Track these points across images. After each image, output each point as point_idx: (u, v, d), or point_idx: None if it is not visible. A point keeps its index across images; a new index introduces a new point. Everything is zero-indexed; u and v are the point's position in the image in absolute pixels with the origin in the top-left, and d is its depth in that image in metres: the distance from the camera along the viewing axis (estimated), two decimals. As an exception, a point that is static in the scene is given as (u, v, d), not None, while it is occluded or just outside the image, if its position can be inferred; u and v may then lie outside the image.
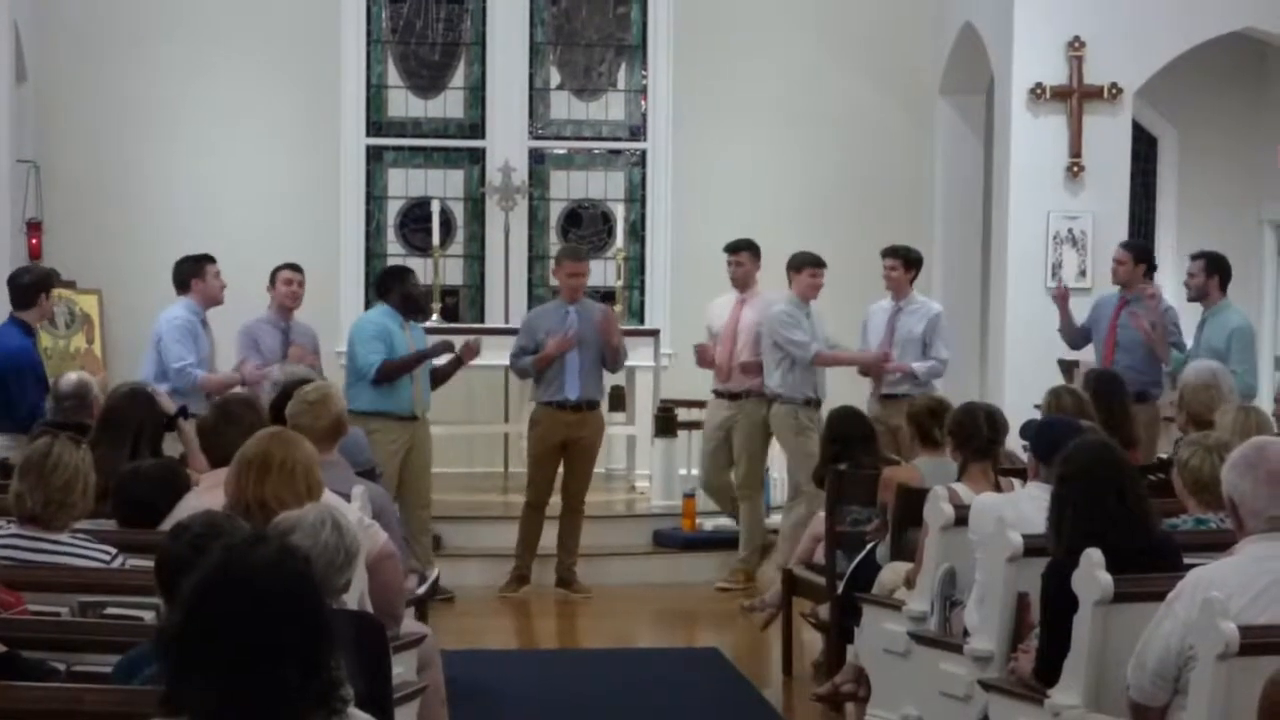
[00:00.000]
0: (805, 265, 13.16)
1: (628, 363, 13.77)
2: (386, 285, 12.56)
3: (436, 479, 12.85)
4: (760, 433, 13.29)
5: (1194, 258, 12.50)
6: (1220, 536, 6.41)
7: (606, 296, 16.16)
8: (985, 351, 15.97)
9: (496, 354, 13.33)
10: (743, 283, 13.36)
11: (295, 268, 12.53)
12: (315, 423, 7.78)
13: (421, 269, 15.91)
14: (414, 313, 12.45)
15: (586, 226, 17.15)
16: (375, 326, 12.33)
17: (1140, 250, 12.95)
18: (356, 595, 6.10)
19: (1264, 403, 11.69)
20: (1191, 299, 12.44)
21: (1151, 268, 12.92)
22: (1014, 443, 9.29)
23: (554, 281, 13.91)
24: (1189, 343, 12.30)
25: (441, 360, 12.51)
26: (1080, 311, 13.12)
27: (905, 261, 13.23)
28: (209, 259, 12.21)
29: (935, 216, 17.17)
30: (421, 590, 9.08)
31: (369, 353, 12.15)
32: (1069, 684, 6.09)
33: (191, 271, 12.11)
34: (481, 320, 16.11)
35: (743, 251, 13.37)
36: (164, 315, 12.07)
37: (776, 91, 16.97)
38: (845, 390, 13.06)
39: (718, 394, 13.40)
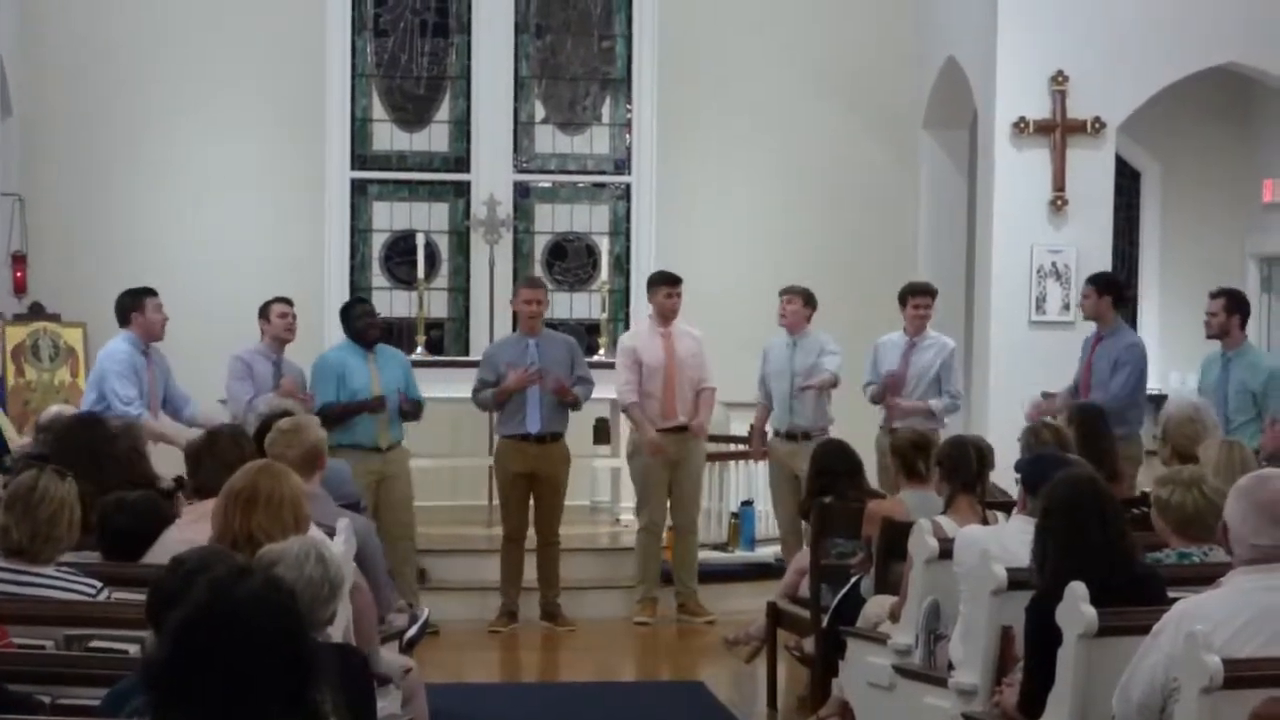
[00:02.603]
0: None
1: (613, 395, 13.74)
2: (341, 321, 12.83)
3: (420, 512, 12.85)
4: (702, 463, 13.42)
5: (1214, 295, 12.31)
6: (1204, 570, 6.42)
7: (591, 329, 16.18)
8: (969, 384, 15.96)
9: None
10: (673, 317, 13.25)
11: (287, 301, 12.59)
12: (288, 450, 7.77)
13: (406, 302, 16.01)
14: (368, 343, 12.51)
15: (571, 259, 17.16)
16: (326, 366, 12.60)
17: (1104, 282, 12.79)
18: (341, 628, 6.10)
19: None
20: (1211, 337, 12.23)
21: (1120, 299, 12.78)
22: (1000, 476, 9.30)
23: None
24: (1196, 380, 12.21)
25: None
26: (1064, 346, 13.13)
27: (933, 298, 13.35)
28: (149, 292, 12.04)
29: (919, 250, 17.21)
30: (413, 631, 9.06)
31: (315, 395, 12.43)
32: (1053, 717, 6.08)
33: (131, 305, 11.94)
34: (466, 353, 16.08)
35: (680, 284, 13.32)
36: (104, 351, 11.98)
37: (760, 125, 17.03)
38: (857, 421, 13.09)
39: (662, 430, 13.08)
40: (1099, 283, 12.67)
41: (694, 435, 13.20)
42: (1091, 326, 12.95)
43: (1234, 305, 12.09)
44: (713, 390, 13.32)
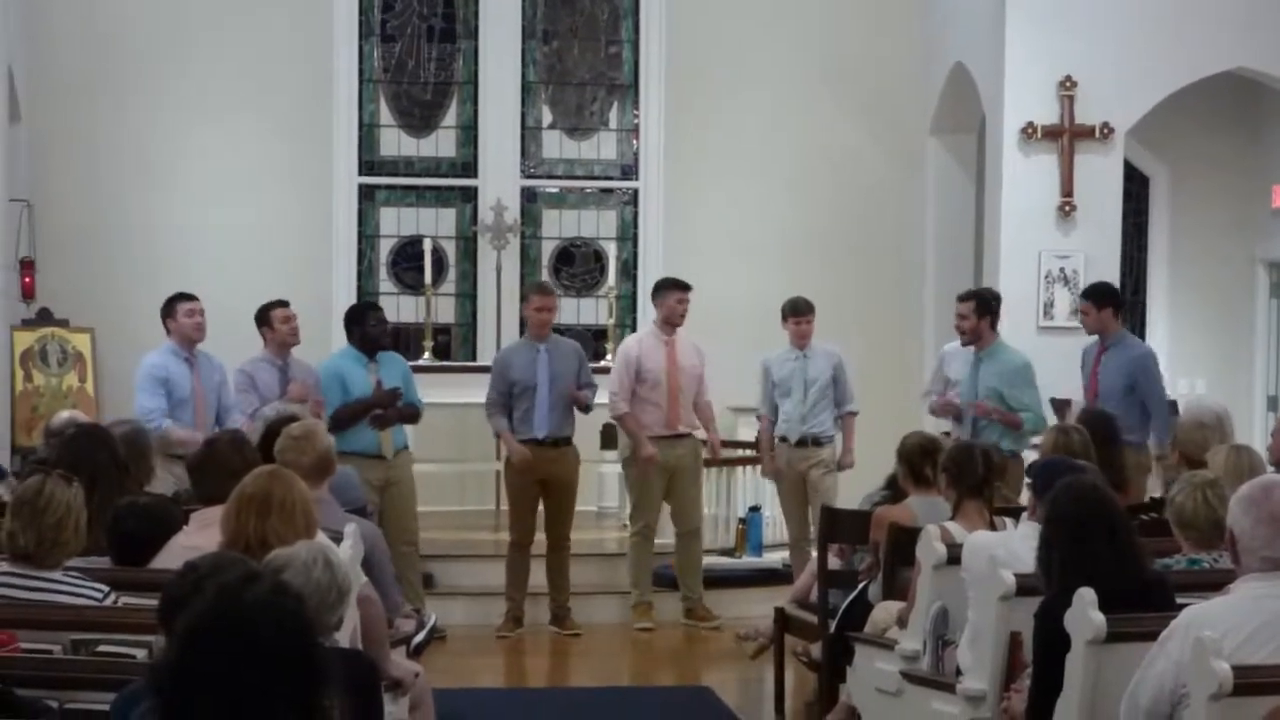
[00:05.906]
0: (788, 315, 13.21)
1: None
2: (348, 326, 12.68)
3: (427, 517, 12.86)
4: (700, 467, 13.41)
5: (963, 299, 12.39)
6: (1213, 576, 6.41)
7: (599, 335, 16.17)
8: (977, 390, 15.94)
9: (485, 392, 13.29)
10: (681, 323, 13.15)
11: (285, 304, 12.47)
12: (300, 458, 7.78)
13: (414, 307, 16.01)
14: (374, 351, 12.44)
15: (578, 265, 17.16)
16: (330, 372, 12.49)
17: (1099, 295, 12.60)
18: (348, 633, 6.09)
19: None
20: (966, 343, 12.29)
21: (1118, 306, 12.63)
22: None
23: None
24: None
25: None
26: (1073, 351, 13.08)
27: (976, 303, 13.13)
28: (181, 297, 11.97)
29: (927, 256, 17.20)
30: (420, 637, 9.06)
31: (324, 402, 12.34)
32: (1062, 723, 6.07)
33: (165, 312, 11.94)
34: (473, 359, 16.11)
35: (690, 291, 13.26)
36: (142, 361, 11.99)
37: (767, 130, 17.03)
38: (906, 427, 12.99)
39: (662, 437, 13.04)
40: (1096, 296, 12.59)
41: (713, 453, 13.29)
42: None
43: (984, 308, 12.16)
44: (709, 404, 13.35)
